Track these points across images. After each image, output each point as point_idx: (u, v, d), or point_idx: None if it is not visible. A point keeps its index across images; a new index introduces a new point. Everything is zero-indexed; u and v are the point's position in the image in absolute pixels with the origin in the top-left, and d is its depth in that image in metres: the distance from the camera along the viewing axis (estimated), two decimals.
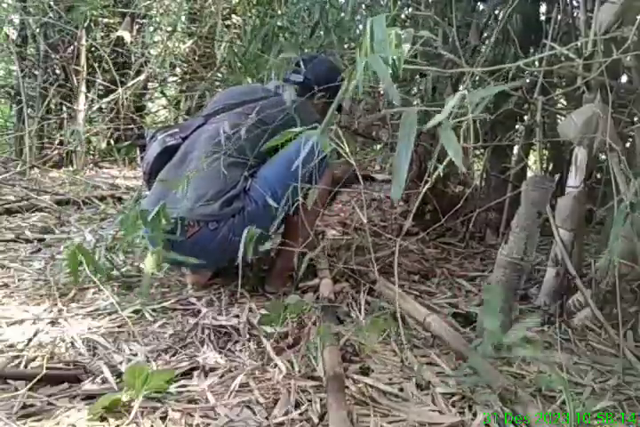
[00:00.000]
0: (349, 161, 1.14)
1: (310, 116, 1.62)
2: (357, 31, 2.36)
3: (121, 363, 1.21)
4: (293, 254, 1.57)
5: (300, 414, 1.04)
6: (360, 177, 1.33)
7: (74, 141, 3.64)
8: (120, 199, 2.75)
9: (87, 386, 1.11)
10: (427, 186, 1.13)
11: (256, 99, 1.70)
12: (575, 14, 1.86)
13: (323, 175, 1.60)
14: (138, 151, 4.08)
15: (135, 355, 1.26)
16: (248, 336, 1.37)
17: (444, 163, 1.05)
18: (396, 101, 0.97)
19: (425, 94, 2.20)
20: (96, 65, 3.90)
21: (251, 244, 1.38)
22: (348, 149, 1.14)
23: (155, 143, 1.70)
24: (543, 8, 2.13)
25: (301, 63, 1.81)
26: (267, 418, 1.03)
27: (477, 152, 2.53)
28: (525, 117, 1.84)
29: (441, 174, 1.08)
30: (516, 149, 2.29)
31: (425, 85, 2.18)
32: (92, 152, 4.18)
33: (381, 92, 2.50)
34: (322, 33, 2.34)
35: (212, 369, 1.20)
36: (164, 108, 4.86)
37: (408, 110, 0.92)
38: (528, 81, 1.96)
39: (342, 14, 2.39)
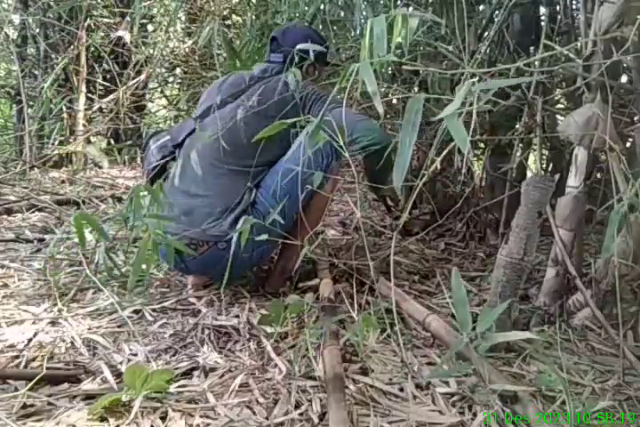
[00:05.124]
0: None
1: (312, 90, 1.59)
2: (357, 31, 2.35)
3: (121, 363, 1.21)
4: (294, 255, 1.56)
5: (300, 414, 1.04)
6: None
7: (73, 141, 3.64)
8: (120, 199, 2.75)
9: (87, 386, 1.11)
10: (423, 180, 1.12)
11: (244, 89, 1.64)
12: (575, 14, 1.86)
13: (328, 180, 1.55)
14: (138, 151, 4.09)
15: (135, 355, 1.26)
16: (248, 336, 1.37)
17: (440, 157, 1.04)
18: (380, 111, 0.94)
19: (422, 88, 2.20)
20: (96, 65, 3.90)
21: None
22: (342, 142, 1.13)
23: (149, 154, 1.68)
24: (543, 8, 2.13)
25: (276, 40, 1.71)
26: (267, 418, 1.03)
27: (477, 152, 2.52)
28: (525, 118, 1.84)
29: (438, 166, 1.08)
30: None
31: (422, 78, 2.17)
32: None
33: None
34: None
35: (212, 369, 1.20)
36: (164, 108, 4.86)
37: (415, 97, 0.90)
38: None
39: (342, 13, 2.39)
